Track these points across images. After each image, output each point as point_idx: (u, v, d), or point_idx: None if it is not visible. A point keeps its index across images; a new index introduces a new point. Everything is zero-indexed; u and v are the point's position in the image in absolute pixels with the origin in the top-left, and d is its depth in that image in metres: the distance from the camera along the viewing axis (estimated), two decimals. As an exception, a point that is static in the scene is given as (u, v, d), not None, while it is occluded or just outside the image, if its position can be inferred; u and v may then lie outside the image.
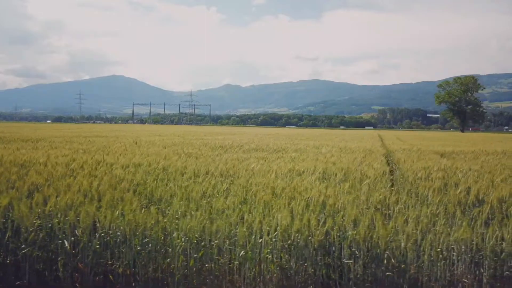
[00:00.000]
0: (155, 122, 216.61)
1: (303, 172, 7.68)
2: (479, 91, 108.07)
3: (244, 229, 4.48)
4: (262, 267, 4.34)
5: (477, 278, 4.29)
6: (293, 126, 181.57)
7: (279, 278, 4.34)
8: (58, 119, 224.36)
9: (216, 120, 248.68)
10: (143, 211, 4.76)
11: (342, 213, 4.78)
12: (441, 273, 4.28)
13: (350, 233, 4.39)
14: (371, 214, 4.84)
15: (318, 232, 4.33)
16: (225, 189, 6.10)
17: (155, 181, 6.42)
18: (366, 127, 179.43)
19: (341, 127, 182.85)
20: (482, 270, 4.29)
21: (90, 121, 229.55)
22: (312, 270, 4.35)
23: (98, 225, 4.61)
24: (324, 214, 4.93)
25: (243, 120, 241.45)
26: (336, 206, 5.11)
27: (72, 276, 4.50)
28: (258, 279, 4.34)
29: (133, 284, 4.47)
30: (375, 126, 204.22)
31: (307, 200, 5.35)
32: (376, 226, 4.38)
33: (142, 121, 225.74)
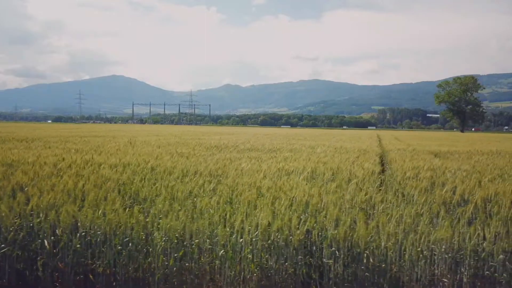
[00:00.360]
0: (155, 122, 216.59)
1: (292, 171, 7.67)
2: (479, 91, 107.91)
3: (227, 229, 4.47)
4: (242, 266, 4.33)
5: (457, 277, 4.28)
6: (288, 126, 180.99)
7: (259, 277, 4.33)
8: (58, 119, 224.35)
9: (216, 120, 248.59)
10: (126, 210, 4.74)
11: (324, 212, 4.77)
12: (421, 273, 4.27)
13: (330, 232, 4.37)
14: (354, 213, 4.83)
15: (298, 231, 4.32)
16: (211, 188, 6.08)
17: (142, 181, 6.40)
18: (369, 127, 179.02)
19: (344, 127, 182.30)
20: (462, 269, 4.28)
21: (90, 121, 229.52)
22: (292, 269, 4.33)
23: (79, 224, 4.60)
24: (307, 213, 4.92)
25: (243, 120, 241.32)
26: (319, 205, 5.09)
27: (52, 275, 4.49)
28: (238, 279, 4.33)
29: (114, 283, 4.46)
30: (376, 126, 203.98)
31: (291, 200, 5.33)
32: (357, 226, 4.37)
33: (142, 121, 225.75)
